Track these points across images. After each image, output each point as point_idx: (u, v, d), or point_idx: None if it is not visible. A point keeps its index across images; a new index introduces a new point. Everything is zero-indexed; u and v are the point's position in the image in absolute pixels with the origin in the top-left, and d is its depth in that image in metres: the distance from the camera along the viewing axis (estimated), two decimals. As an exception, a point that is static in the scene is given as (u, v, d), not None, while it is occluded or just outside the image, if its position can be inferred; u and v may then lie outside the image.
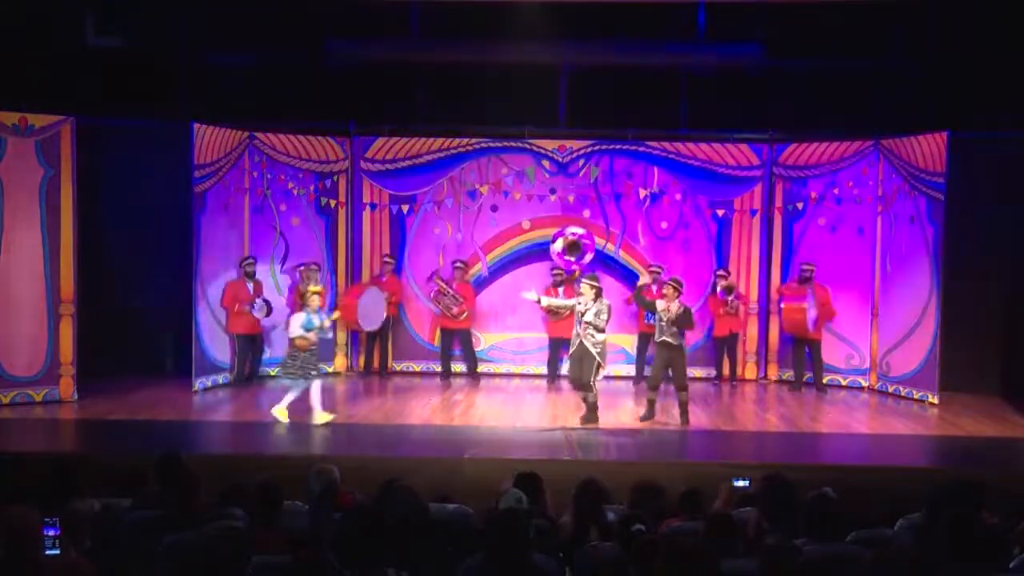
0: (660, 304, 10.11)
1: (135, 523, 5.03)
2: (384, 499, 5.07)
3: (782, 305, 12.33)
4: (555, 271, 12.52)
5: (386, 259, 12.86)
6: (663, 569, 3.74)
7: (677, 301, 10.05)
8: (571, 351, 10.02)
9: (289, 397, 9.83)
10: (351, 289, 12.53)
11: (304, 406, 9.80)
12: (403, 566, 4.22)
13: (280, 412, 9.77)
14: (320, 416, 9.80)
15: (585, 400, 10.07)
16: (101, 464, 7.37)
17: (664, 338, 10.06)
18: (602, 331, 9.83)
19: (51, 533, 3.98)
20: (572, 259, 12.56)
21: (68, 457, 8.05)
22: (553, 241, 12.69)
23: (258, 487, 5.20)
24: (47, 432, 9.92)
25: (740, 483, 5.87)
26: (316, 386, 9.86)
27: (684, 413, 10.10)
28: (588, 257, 12.65)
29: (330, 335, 10.08)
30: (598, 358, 9.82)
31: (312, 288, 10.17)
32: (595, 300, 9.87)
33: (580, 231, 12.68)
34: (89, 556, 4.19)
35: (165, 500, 5.27)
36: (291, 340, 9.89)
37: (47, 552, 3.96)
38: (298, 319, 9.88)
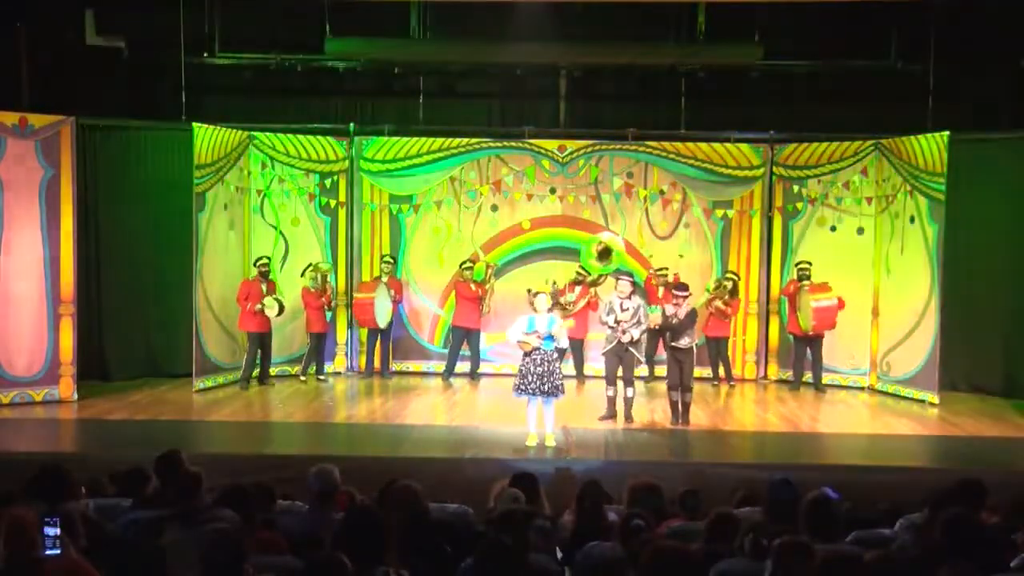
0: (669, 309, 10.10)
1: (135, 523, 5.03)
2: (384, 499, 5.07)
3: (813, 304, 11.90)
4: (579, 271, 12.50)
5: (387, 259, 12.84)
6: (652, 571, 3.76)
7: (685, 305, 10.06)
8: (607, 349, 10.03)
9: (547, 419, 9.11)
10: (364, 286, 12.63)
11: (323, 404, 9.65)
12: (403, 566, 4.22)
13: (547, 438, 9.05)
14: (528, 436, 9.07)
15: (617, 397, 10.07)
16: (101, 464, 7.36)
17: (679, 342, 10.03)
18: (641, 328, 9.97)
19: (51, 533, 3.97)
20: (602, 264, 12.51)
21: (61, 457, 8.04)
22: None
23: (251, 488, 5.20)
24: (47, 432, 9.92)
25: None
26: (534, 404, 9.07)
27: (686, 413, 10.10)
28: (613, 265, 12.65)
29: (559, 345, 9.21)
30: (637, 354, 10.02)
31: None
32: (630, 297, 9.95)
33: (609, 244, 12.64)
34: (87, 556, 4.19)
35: (165, 500, 5.26)
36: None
37: (47, 552, 3.95)
38: (520, 321, 9.13)
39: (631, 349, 9.96)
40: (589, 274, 12.47)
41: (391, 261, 12.83)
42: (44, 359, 10.69)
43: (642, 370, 11.87)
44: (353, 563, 3.92)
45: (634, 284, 10.19)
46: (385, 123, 13.05)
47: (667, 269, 12.43)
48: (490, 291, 12.61)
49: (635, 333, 9.90)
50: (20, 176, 10.47)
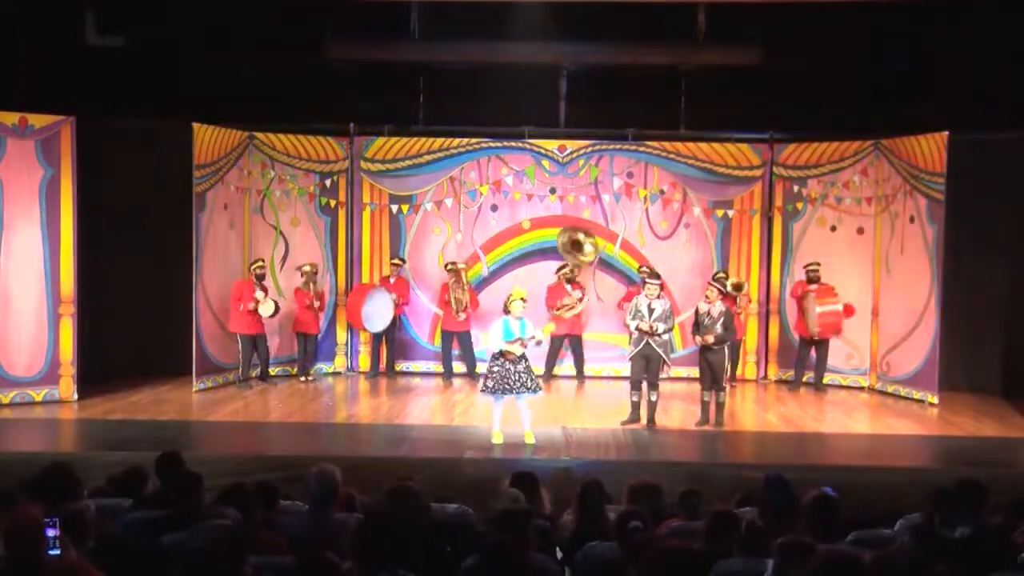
0: (702, 307, 10.06)
1: (135, 523, 5.03)
2: (387, 499, 5.07)
3: (818, 310, 11.93)
4: (562, 268, 12.52)
5: (395, 262, 12.84)
6: (652, 571, 3.77)
7: (719, 302, 10.00)
8: (635, 351, 9.90)
9: (525, 417, 9.16)
10: (358, 289, 12.60)
11: (322, 404, 9.66)
12: (404, 566, 4.21)
13: (527, 435, 9.10)
14: (494, 435, 9.15)
15: (640, 401, 9.98)
16: (101, 464, 7.36)
17: (709, 341, 9.94)
18: (669, 330, 9.90)
19: (51, 533, 3.97)
20: (574, 256, 12.58)
21: (61, 457, 8.04)
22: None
23: (254, 487, 5.19)
24: (47, 432, 9.92)
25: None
26: (502, 403, 9.15)
27: (720, 413, 10.05)
28: (588, 257, 12.70)
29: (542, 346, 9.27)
30: (664, 356, 9.92)
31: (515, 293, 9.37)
32: (659, 298, 9.89)
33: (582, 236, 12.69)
34: (90, 556, 4.19)
35: (165, 500, 5.26)
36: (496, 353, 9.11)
37: (48, 552, 3.95)
38: (495, 328, 9.17)
39: (657, 349, 9.84)
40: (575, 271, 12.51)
41: (400, 263, 12.81)
42: (44, 359, 10.69)
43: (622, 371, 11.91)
44: (366, 565, 3.93)
45: (661, 286, 10.12)
46: (385, 123, 13.05)
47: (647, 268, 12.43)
48: (455, 298, 12.43)
49: (660, 327, 9.80)
50: (20, 176, 10.48)
